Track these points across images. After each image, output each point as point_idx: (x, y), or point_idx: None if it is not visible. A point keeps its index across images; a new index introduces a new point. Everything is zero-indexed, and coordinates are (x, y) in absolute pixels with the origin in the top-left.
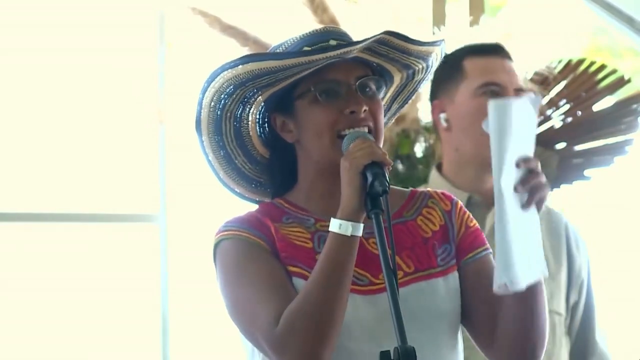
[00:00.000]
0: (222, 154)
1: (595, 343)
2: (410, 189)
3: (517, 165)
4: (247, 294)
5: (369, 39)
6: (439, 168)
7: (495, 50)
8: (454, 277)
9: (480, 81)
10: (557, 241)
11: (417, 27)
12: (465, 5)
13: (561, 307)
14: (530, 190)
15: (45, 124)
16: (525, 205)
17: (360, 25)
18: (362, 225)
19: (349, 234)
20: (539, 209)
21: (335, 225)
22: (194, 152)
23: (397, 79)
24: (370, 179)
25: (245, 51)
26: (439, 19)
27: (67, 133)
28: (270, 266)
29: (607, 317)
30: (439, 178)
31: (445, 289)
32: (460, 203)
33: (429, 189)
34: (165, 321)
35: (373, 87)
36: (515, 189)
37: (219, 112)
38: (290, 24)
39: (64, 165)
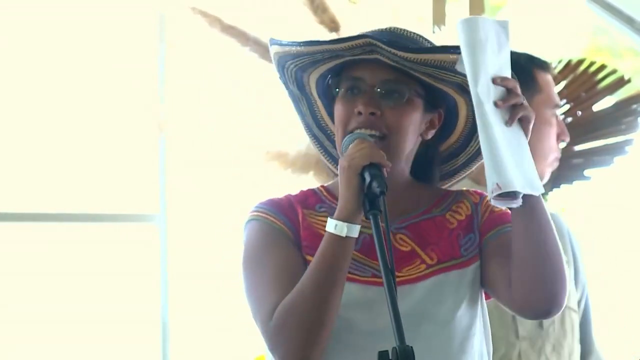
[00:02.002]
0: (311, 134)
1: (593, 342)
2: (446, 189)
3: (494, 81)
4: (257, 280)
5: (354, 39)
6: None
7: (550, 68)
8: (475, 266)
9: (556, 101)
10: (564, 242)
11: (417, 27)
12: (465, 5)
13: (575, 305)
14: (512, 107)
15: (46, 124)
16: (508, 122)
17: (360, 25)
18: (358, 226)
19: (343, 234)
20: (525, 130)
21: (331, 225)
22: (194, 152)
23: (459, 98)
24: (368, 179)
25: (245, 51)
26: (439, 18)
27: (67, 133)
28: (286, 255)
29: (608, 317)
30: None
31: (465, 281)
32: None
33: (464, 188)
34: (165, 321)
35: (402, 93)
36: (495, 105)
37: (290, 95)
38: (290, 24)
39: (64, 165)
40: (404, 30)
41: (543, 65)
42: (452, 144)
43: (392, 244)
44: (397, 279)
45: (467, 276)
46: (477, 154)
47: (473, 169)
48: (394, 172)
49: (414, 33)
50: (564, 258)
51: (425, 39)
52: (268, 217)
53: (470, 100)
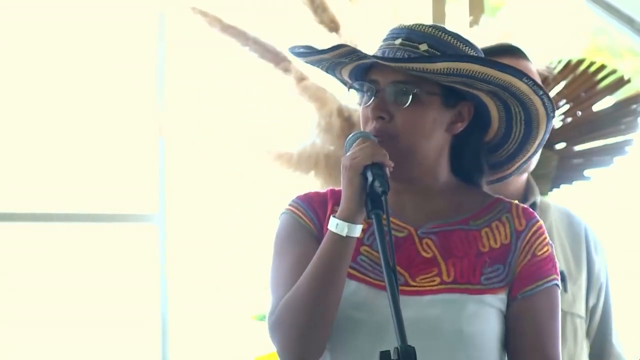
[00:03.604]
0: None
1: (612, 345)
2: (496, 196)
3: None
4: (274, 274)
5: (348, 54)
6: None
7: (508, 51)
8: (493, 299)
9: None
10: (578, 244)
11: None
12: (465, 5)
13: (582, 310)
14: None
15: (45, 124)
16: None
17: (360, 25)
18: (359, 226)
19: (344, 234)
20: None
21: (333, 224)
22: (193, 152)
23: (486, 100)
24: (370, 179)
25: (245, 51)
26: (439, 19)
27: (67, 133)
28: (304, 252)
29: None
30: None
31: (475, 309)
32: (540, 224)
33: (516, 201)
34: (164, 321)
35: (409, 93)
36: None
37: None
38: (290, 24)
39: (64, 165)
40: (424, 26)
41: (491, 52)
42: (496, 133)
43: (417, 248)
44: (409, 288)
45: (476, 305)
46: (524, 142)
47: (527, 158)
48: (421, 173)
49: (435, 29)
50: (573, 264)
51: (448, 33)
52: (297, 212)
53: (498, 99)
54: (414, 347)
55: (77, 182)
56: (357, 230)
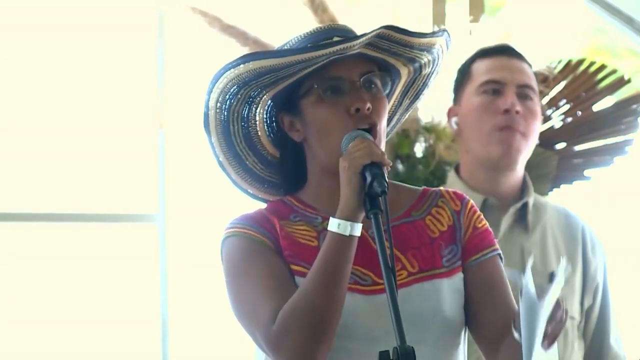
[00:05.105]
0: (232, 154)
1: (609, 346)
2: (423, 187)
3: (546, 333)
4: (248, 292)
5: (368, 33)
6: (457, 169)
7: (501, 50)
8: (458, 278)
9: (482, 79)
10: (573, 245)
11: (417, 27)
12: (465, 5)
13: (574, 311)
14: (553, 338)
15: (45, 124)
16: (545, 345)
17: (360, 25)
18: (360, 225)
19: (347, 233)
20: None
21: (334, 224)
22: (193, 151)
23: (404, 73)
24: (369, 179)
25: (245, 51)
26: (438, 18)
27: (66, 133)
28: (272, 264)
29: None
30: (457, 180)
31: (448, 290)
32: (472, 203)
33: (441, 187)
34: (164, 321)
35: (378, 83)
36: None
37: (225, 113)
38: (290, 24)
39: (64, 165)
40: (342, 25)
41: (485, 53)
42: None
43: (372, 247)
44: (378, 286)
45: (449, 286)
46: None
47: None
48: None
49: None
50: (567, 266)
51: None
52: (247, 231)
53: (414, 68)
54: (412, 347)
55: (77, 182)
56: (359, 229)
